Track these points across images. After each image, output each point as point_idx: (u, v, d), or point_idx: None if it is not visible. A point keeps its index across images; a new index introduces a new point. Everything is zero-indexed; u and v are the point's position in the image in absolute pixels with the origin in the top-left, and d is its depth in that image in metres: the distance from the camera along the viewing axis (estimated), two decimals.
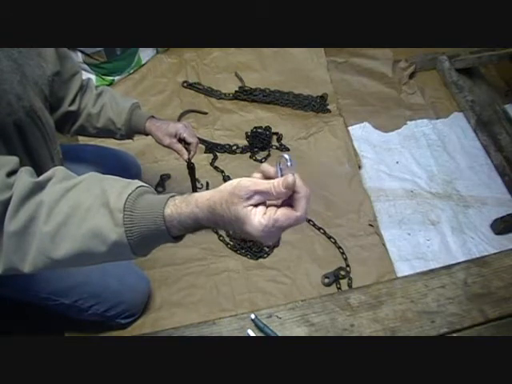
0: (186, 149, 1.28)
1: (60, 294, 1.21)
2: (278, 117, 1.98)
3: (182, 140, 1.27)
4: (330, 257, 1.62)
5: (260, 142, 1.87)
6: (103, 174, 1.43)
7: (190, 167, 1.38)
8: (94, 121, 1.22)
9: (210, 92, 2.02)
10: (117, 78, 2.00)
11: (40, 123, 0.97)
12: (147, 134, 1.27)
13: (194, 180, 1.47)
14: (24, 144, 0.92)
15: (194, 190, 1.52)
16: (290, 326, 0.96)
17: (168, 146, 1.26)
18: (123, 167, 1.52)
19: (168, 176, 1.74)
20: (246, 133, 1.91)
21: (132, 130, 1.25)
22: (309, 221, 1.69)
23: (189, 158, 1.29)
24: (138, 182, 0.69)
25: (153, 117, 1.26)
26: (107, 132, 1.25)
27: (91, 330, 1.39)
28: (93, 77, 1.95)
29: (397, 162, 1.94)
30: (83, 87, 1.21)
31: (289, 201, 0.63)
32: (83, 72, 1.94)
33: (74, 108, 1.18)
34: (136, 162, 1.62)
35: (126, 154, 1.57)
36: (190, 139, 1.26)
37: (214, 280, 1.55)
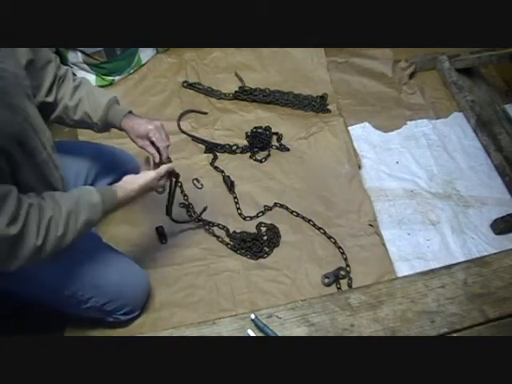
0: (158, 152, 1.24)
1: (60, 284, 1.21)
2: (277, 117, 1.98)
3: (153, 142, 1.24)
4: (329, 257, 1.62)
5: (260, 142, 1.87)
6: (98, 169, 1.46)
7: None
8: (70, 113, 1.22)
9: (210, 92, 2.02)
10: (117, 77, 2.00)
11: (29, 119, 0.99)
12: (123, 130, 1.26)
13: (171, 186, 1.44)
14: (16, 138, 0.94)
15: (171, 193, 1.47)
16: (290, 326, 0.96)
17: (141, 148, 1.25)
18: (118, 164, 1.52)
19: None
20: (246, 133, 1.91)
21: (108, 126, 1.25)
22: (309, 221, 1.69)
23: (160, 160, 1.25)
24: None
25: (130, 112, 1.25)
26: (85, 125, 1.25)
27: (91, 330, 1.39)
28: (93, 77, 1.96)
29: (397, 162, 1.94)
30: (60, 78, 1.20)
31: None
32: (82, 72, 1.96)
33: (50, 99, 1.17)
34: (133, 159, 1.61)
35: (123, 151, 1.57)
36: (158, 144, 1.22)
37: (214, 280, 1.54)
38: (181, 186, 1.50)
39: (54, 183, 1.12)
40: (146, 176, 1.18)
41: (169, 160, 1.26)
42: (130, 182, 1.17)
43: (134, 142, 1.25)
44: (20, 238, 0.92)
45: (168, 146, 1.25)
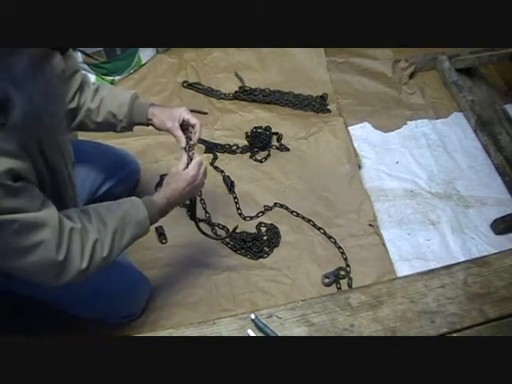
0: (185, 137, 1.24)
1: (59, 287, 1.21)
2: (278, 117, 1.98)
3: (183, 126, 1.24)
4: (329, 257, 1.62)
5: (260, 142, 1.87)
6: (104, 171, 1.45)
7: (189, 151, 1.26)
8: (93, 116, 1.22)
9: (210, 92, 2.02)
10: (117, 77, 2.00)
11: (58, 135, 0.99)
12: (148, 125, 1.25)
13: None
14: (43, 156, 0.93)
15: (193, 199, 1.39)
16: (289, 326, 0.96)
17: (168, 130, 1.23)
18: (121, 165, 1.52)
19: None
20: (246, 133, 1.91)
21: (133, 121, 1.24)
22: (309, 221, 1.69)
23: (188, 144, 1.22)
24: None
25: (153, 104, 1.26)
26: (108, 126, 1.25)
27: (91, 330, 1.39)
28: (93, 77, 1.95)
29: (397, 162, 1.94)
30: (81, 83, 1.20)
31: None
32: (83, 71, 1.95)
33: (73, 106, 1.18)
34: (134, 159, 1.62)
35: (124, 151, 1.57)
36: (193, 120, 1.22)
37: (214, 280, 1.54)
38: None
39: (67, 202, 1.11)
40: (186, 178, 1.14)
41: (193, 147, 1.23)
42: (172, 190, 1.12)
43: (160, 125, 1.23)
44: (65, 263, 0.92)
45: (201, 126, 1.24)
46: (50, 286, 0.96)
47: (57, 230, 0.89)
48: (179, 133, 1.22)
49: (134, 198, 1.08)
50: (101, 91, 1.22)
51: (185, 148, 1.23)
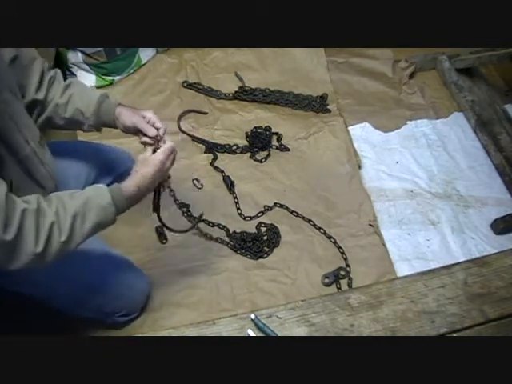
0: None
1: (55, 283, 1.20)
2: (278, 117, 1.98)
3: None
4: (329, 257, 1.62)
5: (260, 142, 1.87)
6: (97, 169, 1.43)
7: (159, 141, 1.20)
8: (61, 111, 1.19)
9: (209, 92, 2.02)
10: (117, 77, 2.00)
11: (9, 112, 0.98)
12: (116, 127, 1.22)
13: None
14: None
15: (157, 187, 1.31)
16: (289, 326, 0.96)
17: (134, 124, 1.17)
18: (117, 163, 1.52)
19: (167, 176, 1.74)
20: (246, 133, 1.91)
21: (101, 120, 1.21)
22: (309, 221, 1.69)
23: (158, 134, 1.17)
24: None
25: (121, 104, 1.22)
26: (75, 123, 1.22)
27: (91, 330, 1.39)
28: (93, 77, 1.96)
29: (397, 162, 1.94)
30: (51, 78, 1.19)
31: None
32: (82, 72, 1.96)
33: (40, 96, 1.16)
34: (130, 158, 1.60)
35: (120, 150, 1.56)
36: (158, 124, 1.18)
37: (214, 280, 1.54)
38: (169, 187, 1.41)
39: (40, 180, 1.09)
40: (155, 162, 1.09)
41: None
42: (140, 177, 1.08)
43: (127, 120, 1.18)
44: (16, 244, 0.88)
45: (165, 130, 1.19)
46: (5, 270, 0.91)
47: (3, 207, 0.85)
48: (146, 125, 1.18)
49: (99, 185, 1.05)
50: (72, 88, 1.21)
51: (154, 137, 1.17)
